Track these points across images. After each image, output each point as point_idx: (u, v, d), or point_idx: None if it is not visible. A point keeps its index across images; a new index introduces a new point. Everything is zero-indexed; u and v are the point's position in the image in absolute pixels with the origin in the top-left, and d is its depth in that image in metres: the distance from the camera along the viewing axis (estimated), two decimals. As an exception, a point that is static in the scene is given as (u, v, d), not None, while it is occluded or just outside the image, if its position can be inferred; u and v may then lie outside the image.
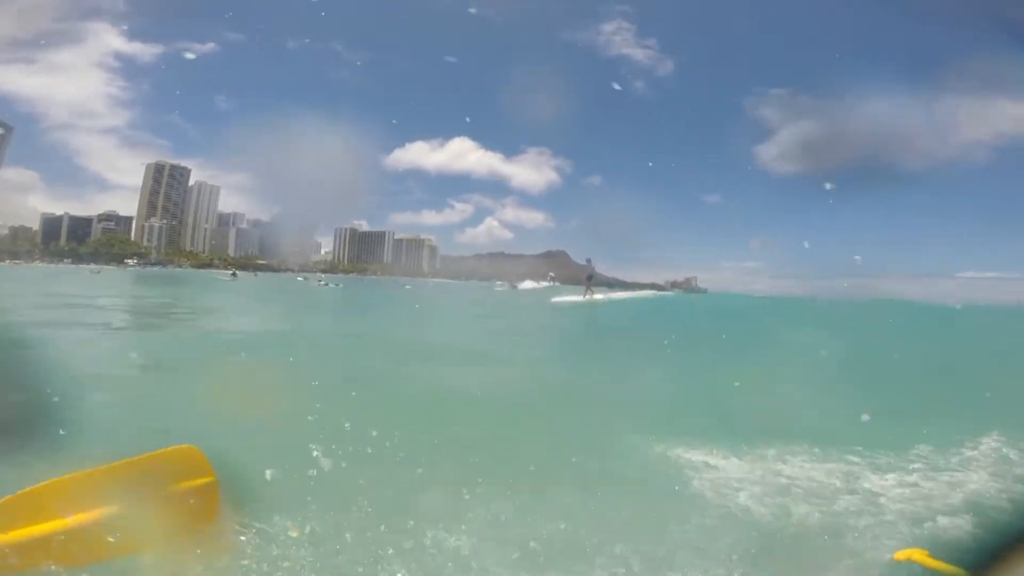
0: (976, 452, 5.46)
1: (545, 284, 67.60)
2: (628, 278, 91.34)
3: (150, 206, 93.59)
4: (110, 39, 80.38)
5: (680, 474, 4.58)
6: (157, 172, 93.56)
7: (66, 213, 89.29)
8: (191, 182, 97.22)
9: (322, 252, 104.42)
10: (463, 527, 3.30)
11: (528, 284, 67.70)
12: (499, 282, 73.49)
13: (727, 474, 4.62)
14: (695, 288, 79.61)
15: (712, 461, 4.88)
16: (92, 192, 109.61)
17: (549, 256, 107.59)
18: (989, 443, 5.84)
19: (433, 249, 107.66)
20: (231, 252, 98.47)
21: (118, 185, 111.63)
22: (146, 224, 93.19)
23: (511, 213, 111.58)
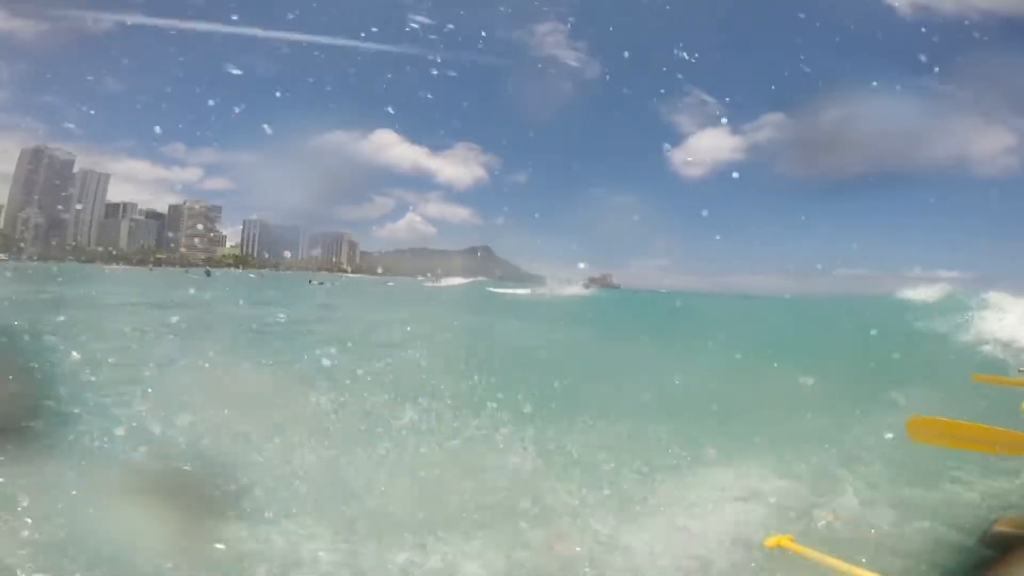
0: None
1: (470, 280, 68.55)
2: (548, 273, 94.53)
3: (25, 195, 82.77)
4: (-18, 13, 72.63)
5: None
6: (35, 158, 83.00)
7: (-89, 203, 76.91)
8: (75, 169, 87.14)
9: (227, 245, 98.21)
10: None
11: (454, 280, 68.12)
12: (422, 276, 73.18)
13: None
14: (611, 284, 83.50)
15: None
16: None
17: (473, 252, 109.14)
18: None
19: (352, 244, 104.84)
20: (123, 245, 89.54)
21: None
22: (19, 215, 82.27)
23: (435, 208, 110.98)
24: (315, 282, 52.86)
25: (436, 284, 64.42)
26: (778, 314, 21.67)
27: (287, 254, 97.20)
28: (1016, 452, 2.44)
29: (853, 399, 6.62)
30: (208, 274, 55.39)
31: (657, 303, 31.38)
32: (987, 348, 11.51)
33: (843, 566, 1.30)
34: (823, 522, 3.34)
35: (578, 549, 3.15)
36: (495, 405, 5.55)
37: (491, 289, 50.86)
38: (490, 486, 4.00)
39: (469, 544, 3.25)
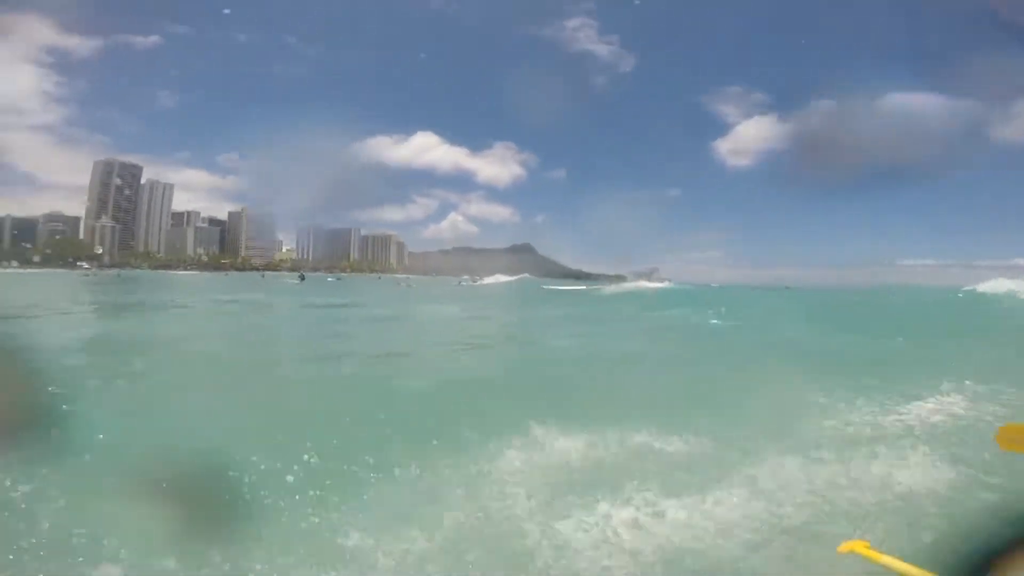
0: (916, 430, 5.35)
1: (515, 278, 68.23)
2: (594, 270, 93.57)
3: (100, 206, 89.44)
4: (42, 32, 77.39)
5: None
6: (106, 170, 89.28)
7: (8, 214, 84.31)
8: (143, 180, 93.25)
9: (284, 249, 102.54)
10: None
11: (497, 278, 67.54)
12: (464, 277, 73.48)
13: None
14: (659, 279, 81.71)
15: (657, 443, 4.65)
16: (24, 192, 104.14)
17: (515, 250, 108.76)
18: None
19: (400, 245, 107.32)
20: (190, 251, 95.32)
21: (53, 184, 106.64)
22: (96, 224, 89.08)
23: (476, 208, 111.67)
24: (403, 284, 54.46)
25: (475, 283, 63.36)
26: (906, 305, 20.44)
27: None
28: None
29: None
30: (302, 279, 57.28)
31: (772, 297, 30.23)
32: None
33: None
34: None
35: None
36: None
37: (546, 287, 49.78)
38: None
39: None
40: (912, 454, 4.59)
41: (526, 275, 77.12)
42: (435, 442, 4.52)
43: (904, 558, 1.61)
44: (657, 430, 4.91)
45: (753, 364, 9.36)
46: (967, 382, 7.00)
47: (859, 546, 1.32)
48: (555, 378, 8.26)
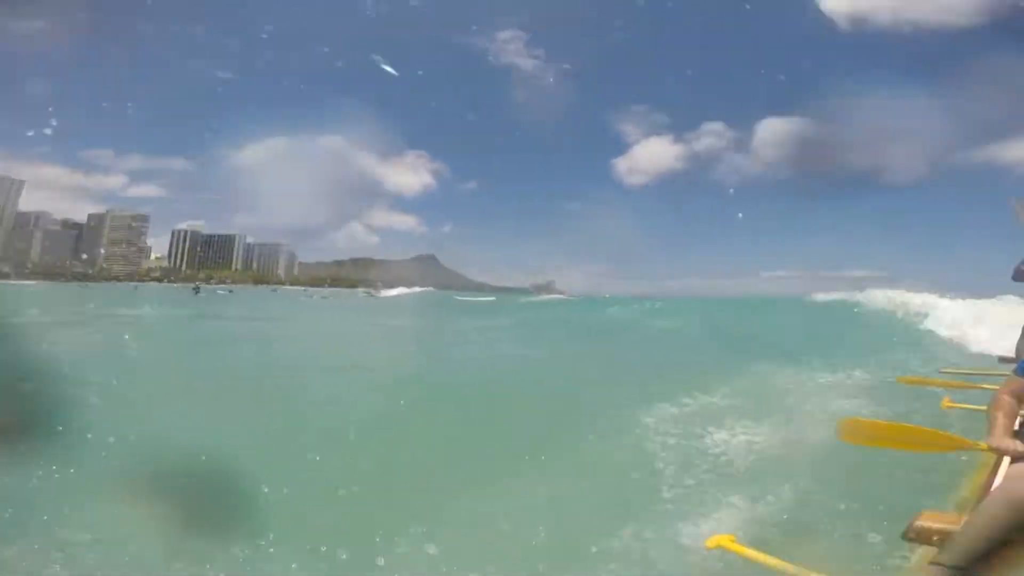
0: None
1: (419, 290, 67.19)
2: (495, 282, 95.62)
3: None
4: None
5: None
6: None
7: None
8: (-15, 174, 78.80)
9: (153, 257, 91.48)
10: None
11: (400, 290, 65.96)
12: (361, 290, 71.27)
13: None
14: (554, 290, 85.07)
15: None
16: None
17: (419, 261, 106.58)
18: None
19: (291, 254, 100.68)
20: (34, 257, 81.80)
21: None
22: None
23: (380, 217, 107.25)
24: (315, 297, 51.28)
25: (377, 294, 61.53)
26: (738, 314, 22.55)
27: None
28: (938, 450, 2.36)
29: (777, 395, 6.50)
30: (197, 291, 50.47)
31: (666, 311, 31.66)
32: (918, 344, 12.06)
33: (787, 567, 1.17)
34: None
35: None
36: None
37: (459, 298, 49.25)
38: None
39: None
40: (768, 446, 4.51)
41: (430, 288, 76.59)
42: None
43: (772, 552, 1.57)
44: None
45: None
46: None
47: (725, 540, 1.19)
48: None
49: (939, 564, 0.91)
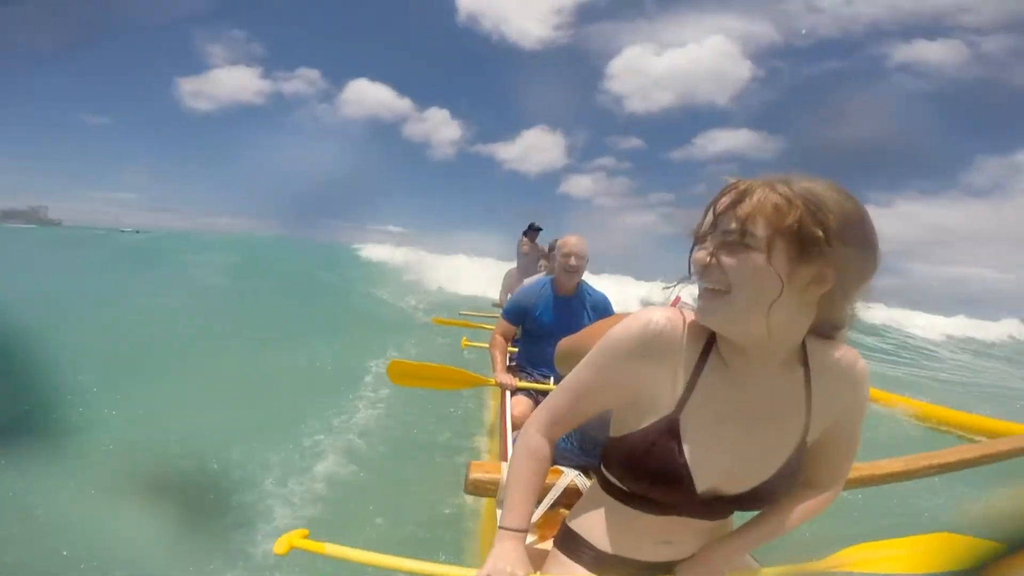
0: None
1: None
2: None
3: None
4: None
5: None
6: None
7: None
8: None
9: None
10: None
11: None
12: None
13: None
14: (46, 220, 63.24)
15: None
16: None
17: None
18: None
19: None
20: None
21: None
22: None
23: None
24: None
25: None
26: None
27: None
28: (467, 386, 2.69)
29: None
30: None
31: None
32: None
33: (380, 559, 0.91)
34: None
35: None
36: None
37: None
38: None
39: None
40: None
41: None
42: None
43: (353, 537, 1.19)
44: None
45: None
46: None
47: (297, 539, 0.96)
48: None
49: (503, 528, 0.87)
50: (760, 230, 0.75)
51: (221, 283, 11.91)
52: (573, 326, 2.65)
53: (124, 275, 12.82)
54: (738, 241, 0.77)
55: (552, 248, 4.52)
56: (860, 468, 1.63)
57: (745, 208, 0.77)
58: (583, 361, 0.92)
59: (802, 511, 0.96)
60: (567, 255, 2.76)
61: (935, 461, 1.74)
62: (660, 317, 0.86)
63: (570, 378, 0.94)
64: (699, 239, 0.83)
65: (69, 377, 4.13)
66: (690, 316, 0.87)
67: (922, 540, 1.03)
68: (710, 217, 0.82)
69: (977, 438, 3.64)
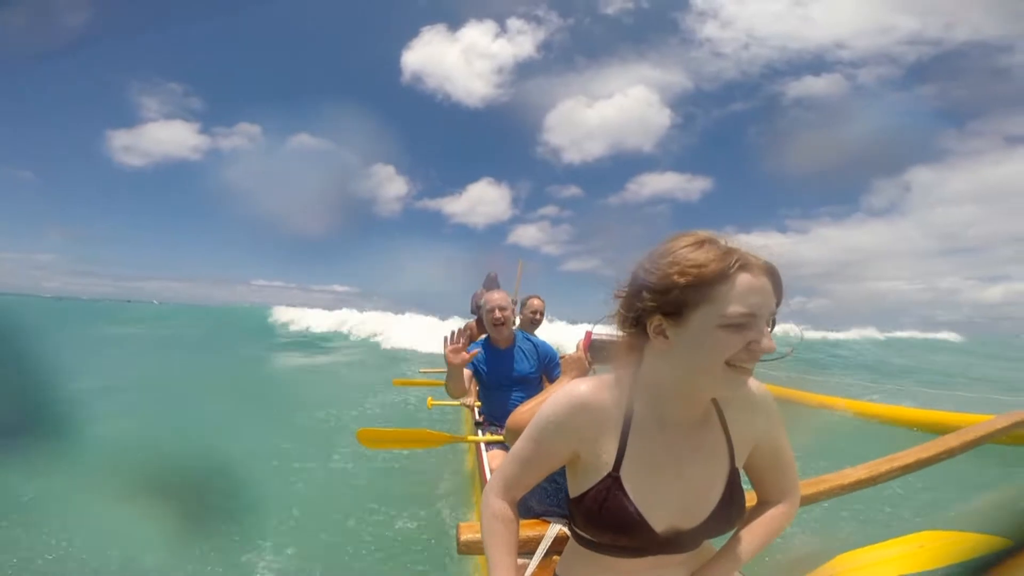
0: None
1: None
2: None
3: None
4: None
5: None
6: None
7: None
8: None
9: None
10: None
11: None
12: None
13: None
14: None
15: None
16: None
17: None
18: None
19: None
20: None
21: None
22: None
23: None
24: None
25: None
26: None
27: None
28: (439, 444, 2.62)
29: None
30: None
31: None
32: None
33: None
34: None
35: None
36: None
37: None
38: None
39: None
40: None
41: None
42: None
43: None
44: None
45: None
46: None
47: None
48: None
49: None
50: None
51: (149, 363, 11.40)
52: (510, 374, 2.81)
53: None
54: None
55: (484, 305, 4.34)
56: (828, 480, 1.68)
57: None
58: (523, 434, 0.98)
59: (768, 522, 1.02)
60: (491, 310, 2.80)
61: (896, 464, 1.84)
62: (584, 389, 0.92)
63: (515, 449, 1.00)
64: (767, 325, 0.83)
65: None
66: (609, 379, 0.94)
67: (907, 540, 1.09)
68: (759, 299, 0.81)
69: (926, 434, 3.86)
